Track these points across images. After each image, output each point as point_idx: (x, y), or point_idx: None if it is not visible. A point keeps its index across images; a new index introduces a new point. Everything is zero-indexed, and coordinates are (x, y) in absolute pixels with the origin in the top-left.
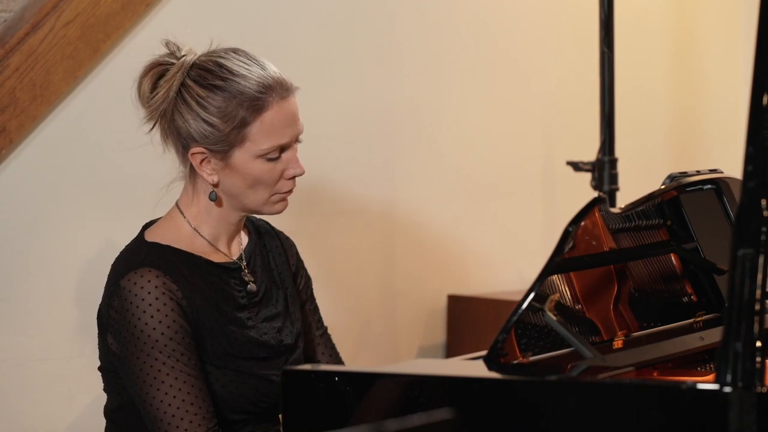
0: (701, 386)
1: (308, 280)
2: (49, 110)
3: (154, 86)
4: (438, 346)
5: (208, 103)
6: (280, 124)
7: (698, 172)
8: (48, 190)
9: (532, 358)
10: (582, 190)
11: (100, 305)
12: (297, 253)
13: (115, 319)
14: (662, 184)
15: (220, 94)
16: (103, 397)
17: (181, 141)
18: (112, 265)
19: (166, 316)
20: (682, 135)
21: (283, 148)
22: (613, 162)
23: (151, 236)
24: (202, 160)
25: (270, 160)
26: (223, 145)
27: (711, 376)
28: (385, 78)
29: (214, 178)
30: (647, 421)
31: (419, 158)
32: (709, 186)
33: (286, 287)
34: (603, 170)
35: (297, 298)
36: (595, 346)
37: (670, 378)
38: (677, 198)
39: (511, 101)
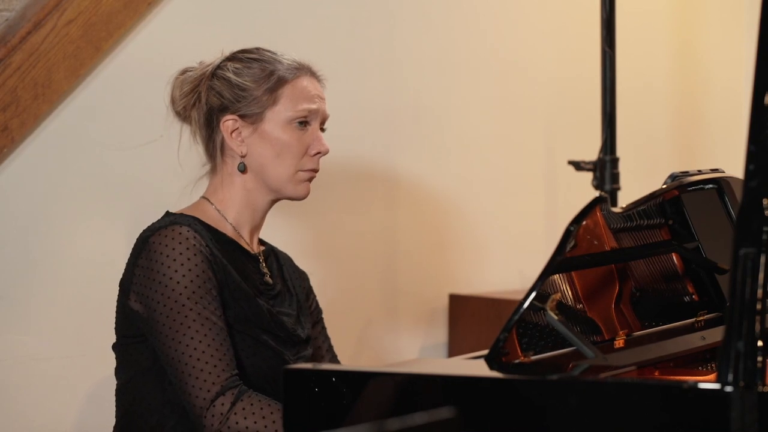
0: (703, 385)
1: (319, 307)
2: (50, 109)
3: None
4: (439, 345)
5: (244, 72)
6: (310, 93)
7: (700, 172)
8: (49, 189)
9: (533, 358)
10: (583, 190)
11: (122, 277)
12: (310, 284)
13: (140, 276)
14: (664, 184)
15: (257, 65)
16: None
17: (213, 118)
18: (140, 235)
19: (196, 265)
20: (683, 134)
21: (310, 119)
22: (615, 161)
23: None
24: (233, 130)
25: (298, 127)
26: (255, 107)
27: (712, 376)
28: (387, 78)
29: (243, 149)
30: (649, 421)
31: (421, 158)
32: (710, 185)
33: (299, 299)
34: (604, 169)
35: (308, 314)
36: (597, 345)
37: (672, 377)
38: (679, 197)
39: (512, 101)
